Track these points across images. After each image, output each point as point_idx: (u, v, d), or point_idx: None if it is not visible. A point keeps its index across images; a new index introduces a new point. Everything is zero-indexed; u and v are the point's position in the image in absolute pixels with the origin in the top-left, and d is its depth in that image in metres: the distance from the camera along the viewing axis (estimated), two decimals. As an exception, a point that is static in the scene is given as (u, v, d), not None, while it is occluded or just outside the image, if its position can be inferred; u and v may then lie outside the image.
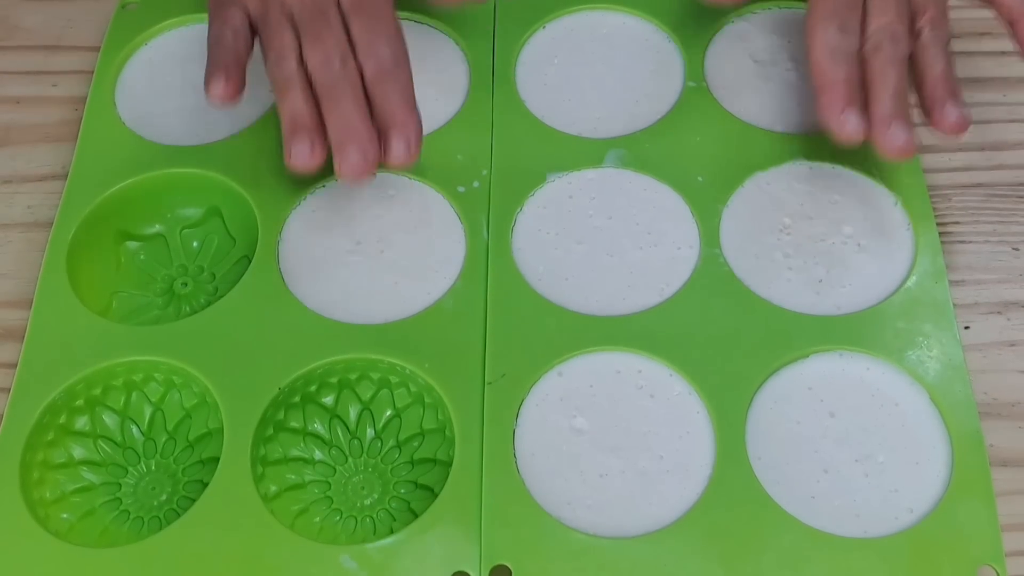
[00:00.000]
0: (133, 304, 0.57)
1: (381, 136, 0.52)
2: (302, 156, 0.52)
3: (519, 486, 0.49)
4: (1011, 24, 0.54)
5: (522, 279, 0.55)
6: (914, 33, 0.54)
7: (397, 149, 0.52)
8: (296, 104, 0.52)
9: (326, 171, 0.58)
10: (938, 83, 0.53)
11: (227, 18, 0.54)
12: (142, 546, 0.48)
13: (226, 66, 0.52)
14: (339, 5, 0.54)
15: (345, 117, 0.52)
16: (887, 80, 0.53)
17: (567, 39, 0.64)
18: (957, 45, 0.64)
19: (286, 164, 0.52)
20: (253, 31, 0.55)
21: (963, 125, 0.53)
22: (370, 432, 0.53)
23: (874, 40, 0.53)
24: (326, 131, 0.52)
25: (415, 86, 0.54)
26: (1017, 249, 0.57)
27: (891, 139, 0.52)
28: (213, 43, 0.54)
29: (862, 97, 0.53)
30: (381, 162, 0.52)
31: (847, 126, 0.52)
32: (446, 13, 0.64)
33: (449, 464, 0.50)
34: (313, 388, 0.53)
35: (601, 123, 0.60)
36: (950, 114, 0.53)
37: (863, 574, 0.47)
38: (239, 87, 0.52)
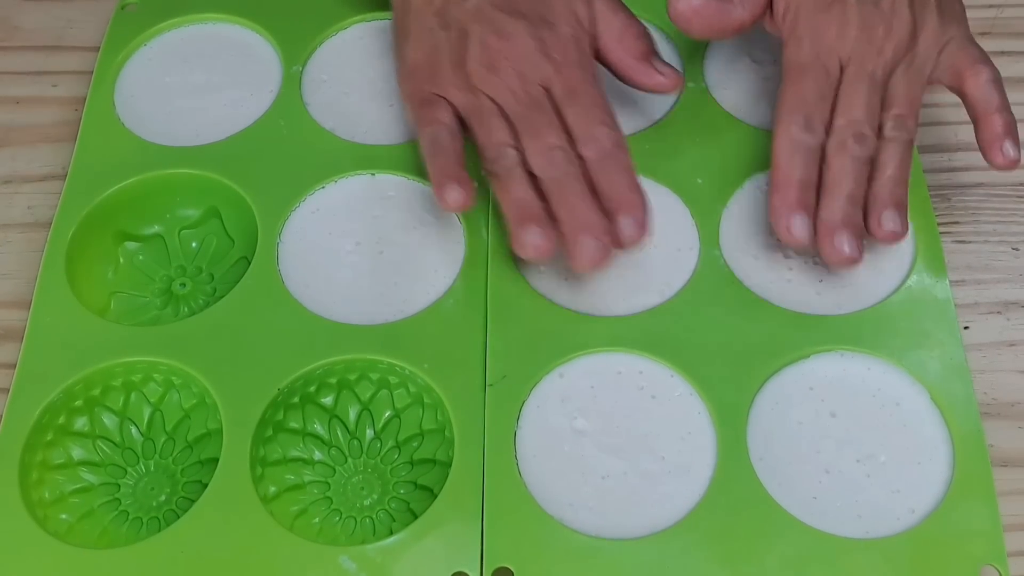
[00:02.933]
0: (132, 304, 0.57)
1: (610, 218, 0.51)
2: (536, 246, 0.50)
3: (520, 488, 0.49)
4: (976, 121, 0.53)
5: (522, 279, 0.54)
6: (878, 128, 0.53)
7: (628, 230, 0.51)
8: (523, 194, 0.51)
9: (325, 172, 0.58)
10: (884, 186, 0.52)
11: (437, 117, 0.54)
12: (141, 547, 0.48)
13: (456, 175, 0.52)
14: (550, 95, 0.53)
15: (576, 209, 0.51)
16: (842, 184, 0.51)
17: (567, 40, 0.63)
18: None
19: (517, 253, 0.51)
20: (462, 124, 0.54)
21: (896, 236, 0.51)
22: (369, 433, 0.53)
23: (838, 138, 0.52)
24: (552, 218, 0.51)
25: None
26: (1017, 249, 0.57)
27: (834, 250, 0.51)
28: (431, 146, 0.53)
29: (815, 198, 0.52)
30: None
31: (793, 232, 0.51)
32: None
33: (448, 465, 0.50)
34: (312, 389, 0.53)
35: (601, 124, 0.60)
36: (885, 223, 0.51)
37: (865, 575, 0.47)
38: (472, 191, 0.52)
